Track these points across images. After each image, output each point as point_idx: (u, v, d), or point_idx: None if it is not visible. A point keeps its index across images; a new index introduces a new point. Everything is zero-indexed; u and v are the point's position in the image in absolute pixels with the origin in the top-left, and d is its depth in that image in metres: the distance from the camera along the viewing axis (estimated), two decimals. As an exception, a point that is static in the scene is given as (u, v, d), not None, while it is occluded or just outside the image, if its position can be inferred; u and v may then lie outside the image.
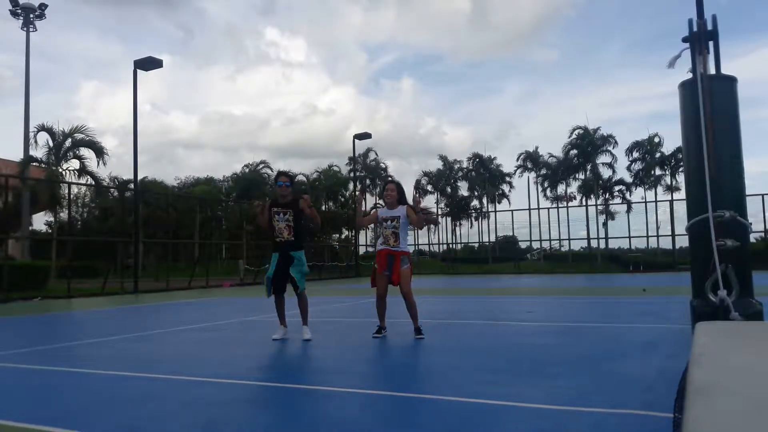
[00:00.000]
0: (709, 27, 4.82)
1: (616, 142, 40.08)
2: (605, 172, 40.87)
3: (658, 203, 38.55)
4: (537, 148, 43.70)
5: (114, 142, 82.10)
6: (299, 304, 6.24)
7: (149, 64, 19.65)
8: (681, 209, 30.08)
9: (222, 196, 44.96)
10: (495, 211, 42.32)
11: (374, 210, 6.26)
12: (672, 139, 40.15)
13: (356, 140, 32.27)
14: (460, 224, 47.70)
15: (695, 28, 4.85)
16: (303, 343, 5.90)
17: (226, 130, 78.93)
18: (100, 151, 26.08)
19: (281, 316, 6.25)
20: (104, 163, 26.56)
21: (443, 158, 47.14)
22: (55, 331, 8.51)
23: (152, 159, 76.22)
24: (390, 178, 6.43)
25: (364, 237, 41.12)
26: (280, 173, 6.44)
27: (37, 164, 25.69)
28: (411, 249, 6.27)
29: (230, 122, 79.61)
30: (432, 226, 41.75)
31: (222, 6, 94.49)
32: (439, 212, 46.89)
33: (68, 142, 25.76)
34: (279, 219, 6.09)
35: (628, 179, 40.91)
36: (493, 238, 41.98)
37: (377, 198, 46.92)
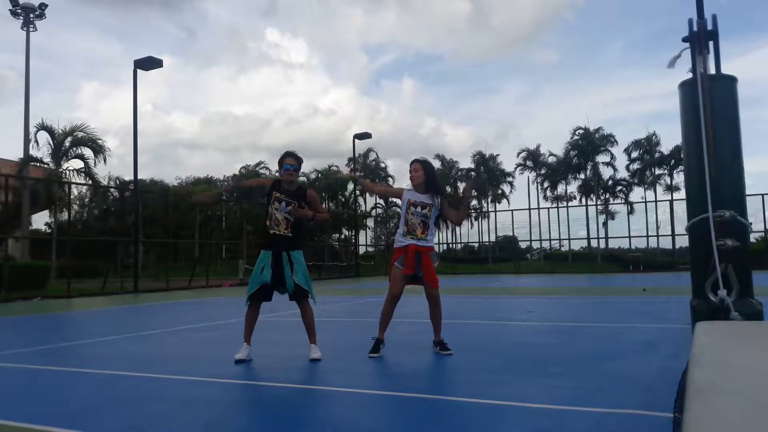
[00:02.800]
0: (709, 27, 4.82)
1: (616, 142, 40.13)
2: (606, 172, 40.94)
3: (658, 203, 38.59)
4: (539, 146, 43.74)
5: (115, 142, 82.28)
6: (306, 317, 5.07)
7: (149, 63, 19.65)
8: (681, 209, 30.09)
9: (225, 195, 44.93)
10: (495, 211, 42.33)
11: (400, 188, 5.18)
12: (672, 139, 40.24)
13: (356, 140, 32.27)
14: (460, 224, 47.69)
15: (695, 28, 4.85)
16: (303, 343, 5.84)
17: (228, 131, 79.14)
18: (99, 150, 26.06)
19: (250, 331, 5.03)
20: (103, 162, 26.48)
21: (441, 158, 47.17)
22: (55, 331, 8.51)
23: (153, 159, 76.36)
24: (416, 157, 5.10)
25: (364, 237, 41.15)
26: (287, 154, 5.13)
27: (37, 164, 25.68)
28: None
29: (231, 123, 79.73)
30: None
31: (224, 7, 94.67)
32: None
33: (68, 142, 25.75)
34: (278, 208, 4.96)
35: (628, 179, 40.97)
36: (493, 238, 42.02)
37: (376, 199, 46.93)
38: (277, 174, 5.24)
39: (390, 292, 5.06)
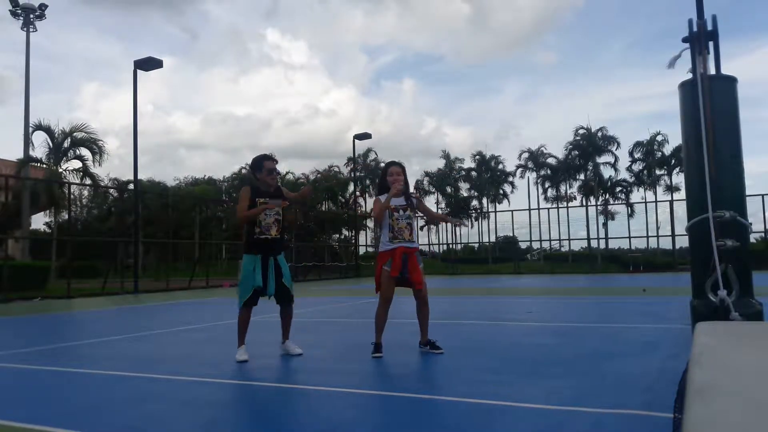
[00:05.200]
0: (709, 27, 4.82)
1: (618, 144, 40.12)
2: (606, 173, 40.95)
3: (658, 203, 38.59)
4: (540, 146, 43.71)
5: (116, 142, 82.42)
6: (288, 318, 5.27)
7: (149, 64, 19.64)
8: (681, 209, 30.09)
9: (225, 196, 44.99)
10: (495, 212, 42.37)
11: (376, 199, 5.17)
12: (672, 139, 40.22)
13: (356, 140, 32.28)
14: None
15: (695, 28, 4.85)
16: (302, 343, 5.80)
17: (229, 131, 79.35)
18: (99, 150, 26.04)
19: (244, 333, 5.15)
20: (101, 164, 26.42)
21: (446, 155, 47.09)
22: (55, 331, 8.51)
23: (154, 159, 76.56)
24: (393, 160, 5.17)
25: (364, 237, 41.14)
26: (266, 157, 5.27)
27: (37, 164, 25.66)
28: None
29: (233, 123, 79.93)
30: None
31: (225, 9, 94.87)
32: (439, 212, 46.85)
33: (67, 142, 25.73)
34: (267, 213, 5.05)
35: (629, 179, 40.97)
36: (493, 239, 42.01)
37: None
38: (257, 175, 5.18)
39: (382, 296, 5.07)
